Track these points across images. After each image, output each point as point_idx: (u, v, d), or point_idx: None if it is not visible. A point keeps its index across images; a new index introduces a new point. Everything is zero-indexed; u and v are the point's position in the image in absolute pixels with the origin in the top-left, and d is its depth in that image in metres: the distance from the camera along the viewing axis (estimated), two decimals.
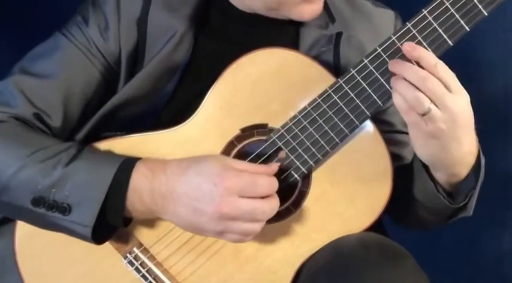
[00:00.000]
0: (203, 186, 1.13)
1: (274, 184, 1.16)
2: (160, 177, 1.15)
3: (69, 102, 1.27)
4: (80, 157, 1.18)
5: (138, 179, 1.16)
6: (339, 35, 1.33)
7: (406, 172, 1.29)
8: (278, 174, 1.20)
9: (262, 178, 1.15)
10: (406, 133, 1.29)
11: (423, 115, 1.12)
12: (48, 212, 1.16)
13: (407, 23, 1.17)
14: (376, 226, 1.26)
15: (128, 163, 1.17)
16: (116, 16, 1.29)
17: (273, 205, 1.16)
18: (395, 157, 1.31)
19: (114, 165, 1.16)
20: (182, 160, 1.17)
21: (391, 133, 1.38)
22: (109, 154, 1.22)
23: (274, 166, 1.18)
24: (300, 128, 1.20)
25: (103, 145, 1.24)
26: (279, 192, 1.21)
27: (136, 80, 1.29)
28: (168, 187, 1.15)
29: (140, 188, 1.15)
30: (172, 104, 1.31)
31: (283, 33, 1.34)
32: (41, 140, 1.21)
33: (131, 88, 1.29)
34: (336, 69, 1.31)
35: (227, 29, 1.33)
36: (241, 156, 1.23)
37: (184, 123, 1.23)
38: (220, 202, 1.12)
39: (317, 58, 1.28)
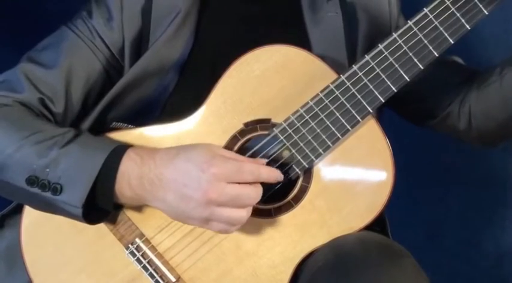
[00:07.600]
0: (191, 172, 1.14)
1: (261, 170, 1.17)
2: (149, 163, 1.17)
3: (70, 90, 1.31)
4: (75, 141, 1.21)
5: (127, 164, 1.18)
6: None
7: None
8: (279, 169, 1.21)
9: (248, 165, 1.16)
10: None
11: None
12: (41, 192, 1.19)
13: (408, 21, 1.19)
14: (378, 226, 1.27)
15: (119, 150, 1.19)
16: (119, 5, 1.33)
17: (258, 191, 1.17)
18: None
19: (106, 150, 1.19)
20: (171, 147, 1.20)
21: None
22: (105, 140, 1.24)
23: (261, 161, 1.20)
24: (302, 122, 1.21)
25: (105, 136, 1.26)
26: (281, 187, 1.23)
27: (142, 60, 1.32)
28: (157, 173, 1.16)
29: (129, 173, 1.18)
30: (177, 95, 1.33)
31: (283, 8, 1.37)
32: (41, 124, 1.25)
33: (138, 68, 1.31)
34: (347, 41, 1.34)
35: (226, 8, 1.36)
36: (244, 150, 1.24)
37: (188, 117, 1.25)
38: (208, 188, 1.13)
39: (327, 24, 1.31)
